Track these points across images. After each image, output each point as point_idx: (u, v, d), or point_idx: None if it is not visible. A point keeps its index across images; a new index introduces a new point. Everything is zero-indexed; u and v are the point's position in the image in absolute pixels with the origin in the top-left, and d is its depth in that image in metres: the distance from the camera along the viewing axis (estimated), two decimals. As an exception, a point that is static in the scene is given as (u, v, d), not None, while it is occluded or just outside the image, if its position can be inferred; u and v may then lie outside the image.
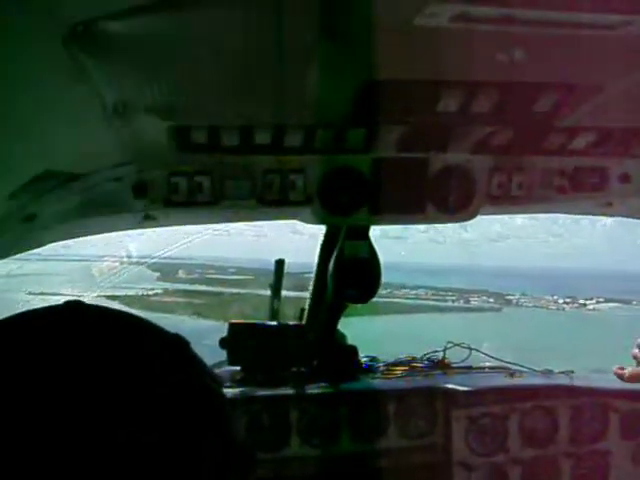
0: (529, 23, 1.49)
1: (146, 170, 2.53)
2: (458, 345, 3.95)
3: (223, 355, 3.63)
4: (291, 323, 3.83)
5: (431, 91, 1.99)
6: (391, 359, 3.98)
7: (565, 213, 3.40)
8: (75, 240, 3.05)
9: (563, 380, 3.84)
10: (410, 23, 1.47)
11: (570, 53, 1.72)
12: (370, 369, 3.88)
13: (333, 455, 3.50)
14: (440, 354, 3.97)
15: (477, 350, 3.95)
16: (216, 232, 3.98)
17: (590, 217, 3.52)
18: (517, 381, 3.81)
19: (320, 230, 3.66)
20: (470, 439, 3.60)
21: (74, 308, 1.18)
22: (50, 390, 1.05)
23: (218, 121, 2.25)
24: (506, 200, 2.84)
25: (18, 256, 2.83)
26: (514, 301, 20.59)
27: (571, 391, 3.74)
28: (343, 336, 3.91)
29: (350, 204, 2.74)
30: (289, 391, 3.53)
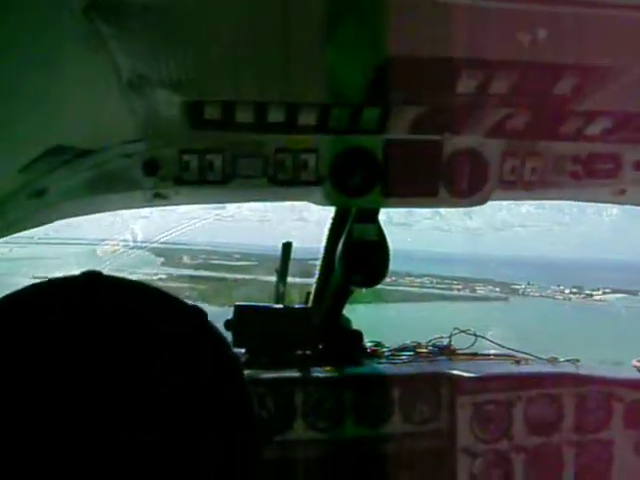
0: (553, 1, 1.47)
1: (157, 147, 2.52)
2: (464, 332, 3.93)
3: (228, 338, 3.61)
4: (296, 306, 3.82)
5: (448, 71, 1.96)
6: (394, 344, 3.97)
7: (578, 200, 3.37)
8: (74, 222, 3.04)
9: (568, 368, 3.83)
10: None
11: (594, 34, 1.69)
12: (375, 354, 3.87)
13: (337, 439, 3.50)
14: (446, 340, 3.96)
15: (483, 337, 3.94)
16: (221, 217, 3.97)
17: (596, 206, 3.49)
18: (522, 369, 3.80)
19: (326, 216, 3.64)
20: (474, 426, 3.59)
21: (93, 279, 1.17)
22: (70, 360, 1.04)
23: (232, 97, 2.23)
24: (518, 185, 2.82)
25: (15, 238, 2.82)
26: (520, 290, 20.49)
27: (576, 379, 3.73)
28: (348, 320, 3.90)
29: (362, 186, 2.72)
30: (294, 374, 3.53)
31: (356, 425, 3.50)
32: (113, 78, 1.82)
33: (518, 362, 3.85)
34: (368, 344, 3.93)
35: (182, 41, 1.71)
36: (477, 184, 2.78)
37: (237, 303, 3.64)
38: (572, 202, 3.34)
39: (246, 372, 3.35)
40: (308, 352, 3.70)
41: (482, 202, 2.85)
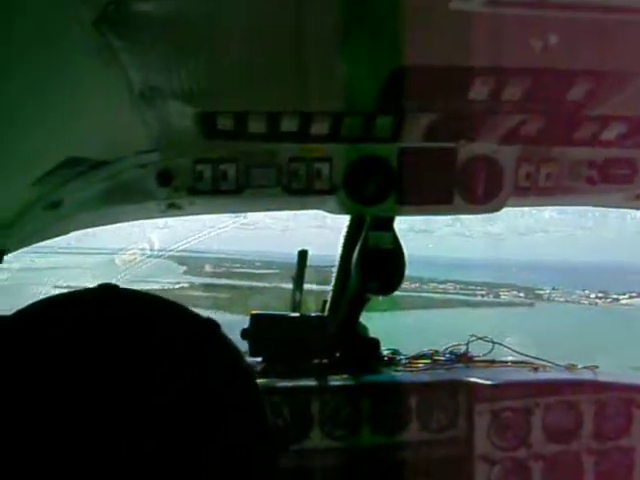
0: (565, 7, 1.46)
1: (171, 158, 2.53)
2: (481, 339, 3.92)
3: (244, 347, 3.63)
4: (313, 314, 3.81)
5: (462, 78, 1.96)
6: (413, 352, 3.97)
7: (593, 205, 3.35)
8: (94, 231, 3.07)
9: (587, 375, 3.80)
10: (443, 7, 1.45)
11: (606, 39, 1.69)
12: (392, 362, 3.86)
13: (354, 448, 3.49)
14: (463, 347, 3.95)
15: (500, 344, 3.92)
16: (242, 226, 3.99)
17: (619, 210, 3.47)
18: (540, 375, 3.77)
19: (345, 224, 3.64)
20: (492, 433, 3.57)
21: (108, 292, 1.18)
22: (86, 371, 1.06)
23: (245, 108, 2.24)
24: (534, 191, 2.81)
25: (36, 248, 2.85)
26: (545, 296, 20.27)
27: (595, 386, 3.70)
28: (365, 328, 3.89)
29: (376, 194, 2.72)
30: (310, 383, 3.52)
31: (373, 433, 3.49)
32: (125, 90, 1.84)
33: (536, 369, 3.82)
34: (385, 352, 3.92)
35: (193, 52, 1.72)
36: (492, 191, 2.77)
37: (253, 312, 3.65)
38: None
39: (263, 381, 3.40)
40: (325, 360, 3.70)
41: (497, 209, 2.84)
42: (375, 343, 3.88)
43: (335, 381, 3.55)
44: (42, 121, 1.82)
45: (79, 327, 1.10)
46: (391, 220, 3.26)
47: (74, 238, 3.02)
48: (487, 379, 3.61)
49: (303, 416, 3.42)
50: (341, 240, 3.68)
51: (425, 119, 2.39)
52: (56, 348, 1.08)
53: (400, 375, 3.73)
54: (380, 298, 3.68)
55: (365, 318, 3.91)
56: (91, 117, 1.98)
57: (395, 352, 3.95)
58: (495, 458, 3.57)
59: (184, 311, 1.20)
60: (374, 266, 3.30)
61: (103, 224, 2.96)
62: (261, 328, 3.62)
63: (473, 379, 3.61)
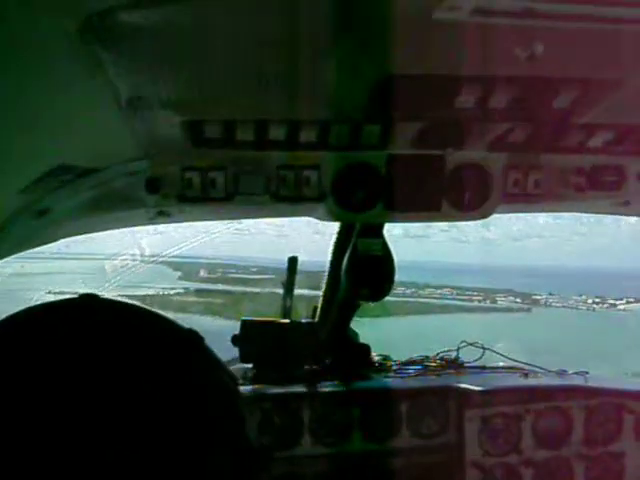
0: (550, 17, 1.47)
1: (160, 165, 2.53)
2: (471, 344, 3.92)
3: (235, 353, 3.63)
4: (303, 321, 3.81)
5: (449, 86, 1.97)
6: (404, 358, 3.97)
7: (582, 212, 3.36)
8: (87, 237, 3.07)
9: (577, 381, 3.81)
10: (429, 16, 1.45)
11: (591, 47, 1.69)
12: (382, 368, 3.86)
13: (345, 454, 3.49)
14: (454, 353, 3.95)
15: (490, 350, 3.93)
16: (237, 231, 3.99)
17: (614, 216, 3.48)
18: (531, 381, 3.78)
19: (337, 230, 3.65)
20: (483, 439, 3.58)
21: (89, 302, 1.18)
22: (65, 382, 1.05)
23: (232, 116, 2.24)
24: (522, 198, 2.82)
25: (29, 254, 2.85)
26: (542, 301, 20.31)
27: (585, 392, 3.71)
28: (355, 334, 3.90)
29: (365, 201, 2.73)
30: (301, 389, 3.52)
31: (364, 440, 3.49)
32: (113, 99, 1.83)
33: (526, 375, 3.83)
34: (376, 358, 3.93)
35: (180, 62, 1.72)
36: (481, 198, 2.78)
37: (244, 318, 3.65)
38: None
39: (253, 387, 3.41)
40: (315, 367, 3.70)
41: (486, 215, 2.85)
42: (366, 349, 3.88)
43: (326, 387, 3.55)
44: (30, 129, 1.82)
45: (58, 338, 1.10)
46: (381, 227, 3.27)
47: (66, 244, 3.02)
48: (477, 385, 3.62)
49: (294, 423, 3.42)
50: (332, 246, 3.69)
51: (413, 127, 2.40)
52: (35, 358, 1.08)
53: (391, 381, 3.73)
54: (371, 304, 3.68)
55: (360, 324, 3.92)
56: (79, 125, 1.99)
57: (386, 358, 3.95)
58: (486, 464, 3.58)
59: (166, 322, 1.20)
60: (364, 272, 3.31)
61: (92, 231, 2.96)
62: (251, 334, 3.62)
63: (463, 385, 3.61)
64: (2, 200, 2.24)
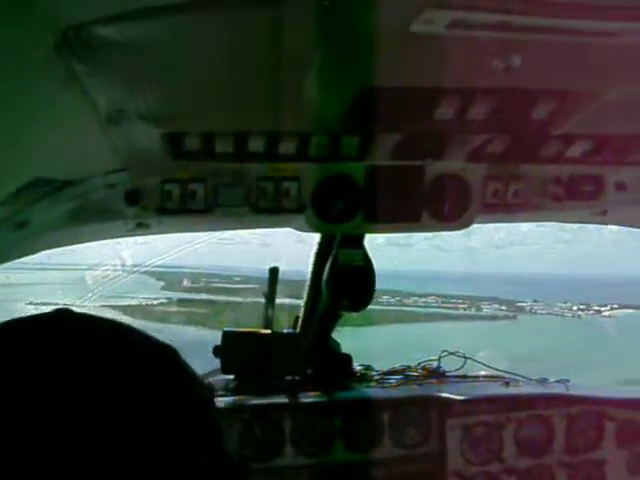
0: (527, 30, 1.48)
1: (139, 177, 2.52)
2: (453, 354, 3.93)
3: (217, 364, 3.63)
4: (285, 331, 3.82)
5: (427, 98, 1.98)
6: (385, 367, 3.97)
7: (561, 221, 3.39)
8: (69, 248, 3.06)
9: (558, 389, 3.82)
10: (406, 30, 1.46)
11: (568, 60, 1.72)
12: (364, 378, 3.86)
13: (327, 465, 3.48)
14: (435, 363, 3.96)
15: (472, 359, 3.94)
16: (220, 241, 3.98)
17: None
18: (512, 390, 3.79)
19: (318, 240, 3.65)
20: (465, 448, 3.58)
21: (62, 316, 1.17)
22: (36, 400, 1.04)
23: (212, 128, 2.24)
24: (502, 208, 2.84)
25: (13, 264, 2.83)
26: (527, 308, 20.34)
27: (566, 400, 3.72)
28: (337, 344, 3.90)
29: (344, 212, 2.73)
30: (283, 400, 3.51)
31: (346, 450, 3.48)
32: (91, 112, 1.83)
33: (508, 383, 3.84)
34: (357, 368, 3.93)
35: (159, 75, 1.71)
36: (460, 208, 2.80)
37: (225, 329, 3.64)
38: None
39: (235, 398, 3.39)
40: (297, 377, 3.69)
41: (466, 226, 2.86)
42: (347, 359, 3.88)
43: (307, 398, 3.55)
44: (8, 142, 1.81)
45: (30, 353, 1.09)
46: (361, 237, 3.28)
47: (48, 254, 3.00)
48: (459, 394, 3.62)
49: (276, 433, 3.41)
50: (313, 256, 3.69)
51: (392, 138, 2.41)
52: (5, 374, 1.07)
53: (372, 391, 3.73)
54: (354, 314, 3.69)
55: (343, 334, 3.92)
56: (57, 138, 1.98)
57: (368, 368, 3.95)
58: (468, 473, 3.58)
59: (141, 336, 1.19)
60: (345, 283, 3.31)
61: (71, 244, 2.95)
62: (233, 345, 3.61)
63: (445, 394, 3.62)
64: None
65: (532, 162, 2.68)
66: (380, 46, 1.56)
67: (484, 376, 3.96)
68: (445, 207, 2.78)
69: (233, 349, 3.60)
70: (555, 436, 3.66)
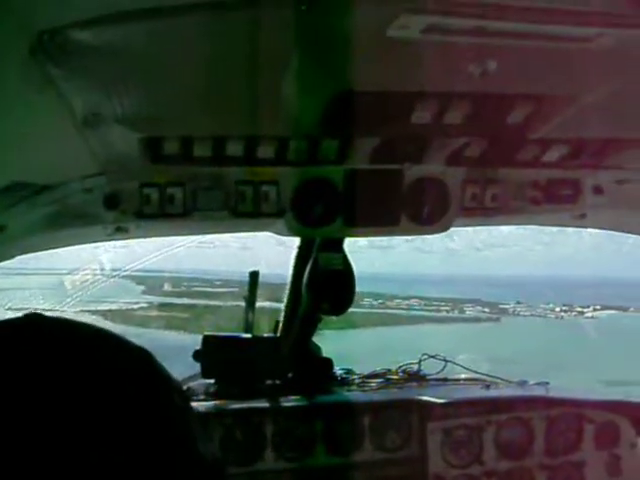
0: (502, 35, 1.49)
1: (117, 181, 2.51)
2: (433, 357, 3.95)
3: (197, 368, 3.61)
4: (265, 335, 3.81)
5: (404, 102, 1.99)
6: (367, 371, 3.97)
7: (539, 224, 3.41)
8: (48, 253, 3.04)
9: (538, 391, 3.84)
10: (383, 34, 1.47)
11: (543, 65, 1.73)
12: (345, 381, 3.86)
13: (308, 468, 3.47)
14: (416, 366, 3.97)
15: (452, 362, 3.95)
16: (201, 244, 3.97)
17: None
18: (492, 393, 3.80)
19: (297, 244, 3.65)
20: (446, 451, 3.59)
21: (34, 321, 1.15)
22: (5, 407, 1.03)
23: (190, 132, 2.24)
24: (480, 212, 2.85)
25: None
26: (510, 310, 20.40)
27: (546, 402, 3.74)
28: (318, 348, 3.89)
29: (323, 216, 2.73)
30: (264, 404, 3.51)
31: (327, 454, 3.48)
32: (68, 116, 1.82)
33: (488, 386, 3.85)
34: (338, 371, 3.92)
35: (135, 79, 1.71)
36: (439, 212, 2.81)
37: (206, 333, 3.63)
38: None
39: (215, 403, 3.38)
40: (277, 381, 3.69)
41: (445, 229, 2.87)
42: (328, 363, 3.88)
43: (288, 402, 3.54)
44: None
45: (1, 359, 1.08)
46: (341, 241, 3.28)
47: (26, 259, 2.98)
48: (439, 397, 3.63)
49: (256, 438, 3.40)
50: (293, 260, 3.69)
51: (370, 142, 2.42)
52: None
53: (353, 395, 3.73)
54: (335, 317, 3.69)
55: (325, 338, 3.91)
56: (34, 142, 1.97)
57: (348, 371, 3.95)
58: (449, 476, 3.58)
59: (115, 340, 1.18)
60: (325, 287, 3.31)
61: (49, 248, 2.93)
62: (214, 349, 3.60)
63: (425, 398, 3.62)
64: None
65: (510, 166, 2.70)
66: (357, 50, 1.57)
67: (464, 379, 3.97)
68: (424, 211, 2.79)
69: (214, 353, 3.59)
70: (535, 438, 3.67)
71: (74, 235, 2.75)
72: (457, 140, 2.43)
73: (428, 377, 3.93)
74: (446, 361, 3.92)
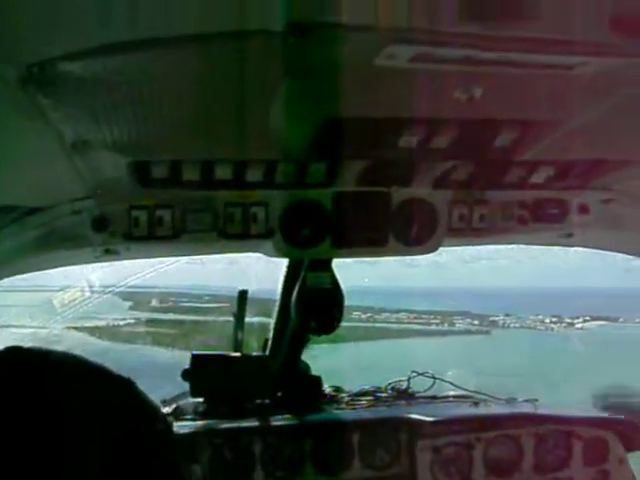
0: (488, 63, 1.51)
1: (106, 204, 2.51)
2: (422, 374, 3.95)
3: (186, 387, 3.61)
4: (254, 354, 3.81)
5: (391, 128, 2.00)
6: (356, 388, 3.97)
7: (527, 244, 3.43)
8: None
9: (527, 408, 3.85)
10: (370, 63, 1.48)
11: (528, 91, 1.75)
12: (334, 399, 3.86)
13: None
14: (405, 383, 3.97)
15: (441, 379, 3.96)
16: (189, 261, 3.96)
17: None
18: (481, 410, 3.81)
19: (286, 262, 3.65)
20: (435, 469, 3.59)
21: (14, 354, 1.16)
22: None
23: (179, 156, 2.25)
24: (467, 232, 2.86)
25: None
26: (500, 322, 20.38)
27: (535, 419, 3.75)
28: (307, 366, 3.89)
29: (312, 237, 2.74)
30: (253, 423, 3.50)
31: (316, 473, 3.47)
32: (57, 142, 1.83)
33: (477, 404, 3.86)
34: (327, 389, 3.92)
35: (124, 107, 1.71)
36: (427, 232, 2.82)
37: (194, 352, 3.62)
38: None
39: (205, 422, 3.38)
40: (267, 400, 3.69)
41: (433, 250, 2.88)
42: (317, 381, 3.87)
43: (277, 421, 3.54)
44: None
45: None
46: (329, 261, 3.28)
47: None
48: (428, 415, 3.63)
49: (245, 457, 3.40)
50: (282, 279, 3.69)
51: (357, 166, 2.43)
52: None
53: (342, 413, 3.73)
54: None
55: (314, 353, 3.91)
56: (23, 166, 1.98)
57: (337, 389, 3.95)
58: None
59: (95, 368, 1.19)
60: (313, 306, 3.31)
61: (37, 270, 2.93)
62: (202, 368, 3.59)
63: (414, 415, 3.63)
64: None
65: (497, 188, 2.72)
66: (345, 78, 1.58)
67: (453, 396, 3.97)
68: (412, 232, 2.81)
69: (202, 372, 3.59)
70: (524, 455, 3.68)
71: (63, 257, 2.74)
72: (444, 164, 2.44)
73: (417, 395, 3.93)
74: (435, 378, 3.93)
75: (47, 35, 1.28)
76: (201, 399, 3.63)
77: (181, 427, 3.33)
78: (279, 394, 3.75)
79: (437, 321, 20.44)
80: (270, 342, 3.82)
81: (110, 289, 4.89)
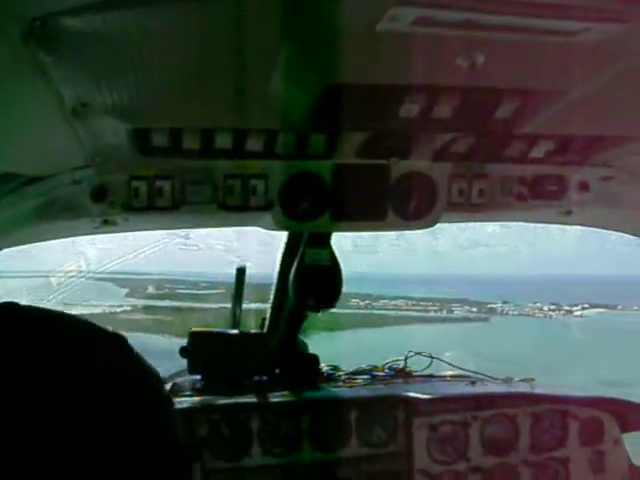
0: (490, 28, 1.51)
1: (106, 174, 2.51)
2: (419, 354, 3.96)
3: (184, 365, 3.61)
4: (252, 331, 3.81)
5: (393, 95, 2.00)
6: (352, 368, 3.98)
7: (525, 221, 3.42)
8: (29, 254, 3.02)
9: (523, 388, 3.87)
10: (372, 27, 1.48)
11: (531, 59, 1.75)
12: (332, 378, 3.87)
13: (295, 464, 3.47)
14: (402, 363, 3.98)
15: (438, 359, 3.97)
16: (185, 247, 3.97)
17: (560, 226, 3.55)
18: (478, 389, 3.82)
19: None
20: (431, 447, 3.60)
21: (8, 310, 1.16)
22: None
23: (179, 124, 2.24)
24: (466, 207, 2.86)
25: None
26: (498, 309, 20.40)
27: (531, 399, 3.76)
28: (305, 344, 3.90)
29: (311, 210, 2.75)
30: (250, 400, 3.51)
31: (313, 449, 3.48)
32: (57, 106, 1.82)
33: (474, 383, 3.87)
34: (325, 368, 3.93)
35: (125, 69, 1.71)
36: (425, 207, 2.82)
37: (193, 329, 3.62)
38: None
39: (202, 398, 3.38)
40: (264, 377, 3.69)
41: (431, 225, 2.88)
42: (314, 359, 3.88)
43: (275, 398, 3.54)
44: None
45: None
46: (328, 236, 3.28)
47: (6, 260, 2.97)
48: (425, 393, 3.64)
49: (243, 433, 3.40)
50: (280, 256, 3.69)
51: (358, 137, 2.43)
52: None
53: (339, 391, 3.74)
54: (324, 317, 3.69)
55: (312, 339, 3.91)
56: (23, 133, 1.97)
57: (335, 368, 3.96)
58: (434, 472, 3.60)
59: (89, 326, 1.19)
60: (311, 283, 3.32)
61: (35, 241, 2.92)
62: (200, 345, 3.59)
63: (411, 394, 3.63)
64: None
65: (497, 162, 2.72)
66: (346, 43, 1.58)
67: (450, 376, 3.99)
68: (411, 206, 2.81)
69: (200, 349, 3.58)
70: (520, 434, 3.69)
71: (61, 228, 2.74)
72: (444, 135, 2.45)
73: (414, 374, 3.94)
74: (432, 358, 3.94)
75: None
76: (199, 376, 3.63)
77: (179, 403, 3.34)
78: (277, 371, 3.76)
79: (435, 308, 20.46)
80: (268, 320, 3.82)
81: (105, 274, 4.88)
